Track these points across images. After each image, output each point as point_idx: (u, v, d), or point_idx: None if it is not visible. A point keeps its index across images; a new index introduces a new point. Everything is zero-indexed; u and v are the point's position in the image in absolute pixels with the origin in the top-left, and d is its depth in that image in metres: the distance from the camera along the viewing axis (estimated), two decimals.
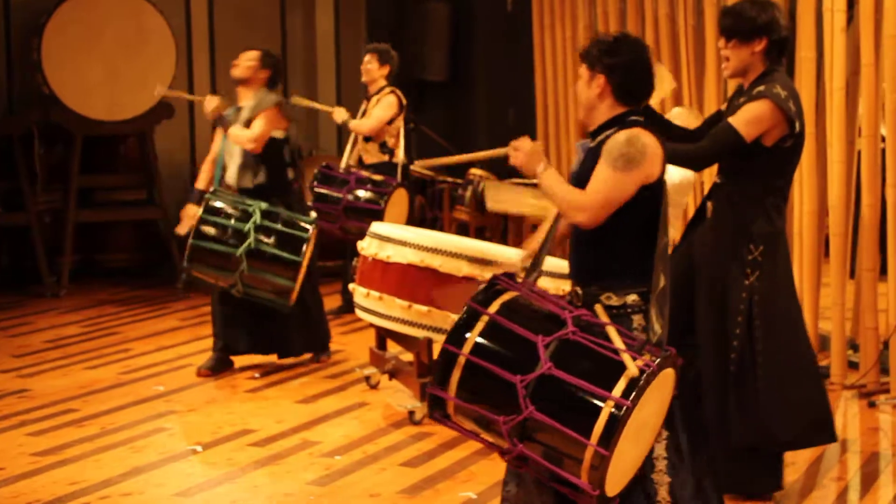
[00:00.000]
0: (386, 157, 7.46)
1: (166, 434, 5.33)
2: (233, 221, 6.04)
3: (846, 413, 5.57)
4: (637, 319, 3.29)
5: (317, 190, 7.27)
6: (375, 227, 5.66)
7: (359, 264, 5.67)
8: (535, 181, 3.46)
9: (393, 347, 5.97)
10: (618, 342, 3.08)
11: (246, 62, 6.38)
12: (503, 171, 8.07)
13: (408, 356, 5.75)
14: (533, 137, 6.37)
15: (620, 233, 3.32)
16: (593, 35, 3.47)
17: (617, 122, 3.33)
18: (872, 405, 5.57)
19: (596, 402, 2.96)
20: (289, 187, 6.38)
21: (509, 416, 3.02)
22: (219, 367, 6.38)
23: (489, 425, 3.11)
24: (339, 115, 7.59)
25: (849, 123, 5.97)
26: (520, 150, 3.41)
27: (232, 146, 6.33)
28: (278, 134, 6.31)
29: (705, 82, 6.97)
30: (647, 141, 3.29)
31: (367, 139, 7.51)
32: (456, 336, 3.12)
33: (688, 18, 7.13)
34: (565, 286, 4.56)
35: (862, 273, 5.92)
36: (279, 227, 6.07)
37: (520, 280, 3.30)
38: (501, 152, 3.54)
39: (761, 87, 4.22)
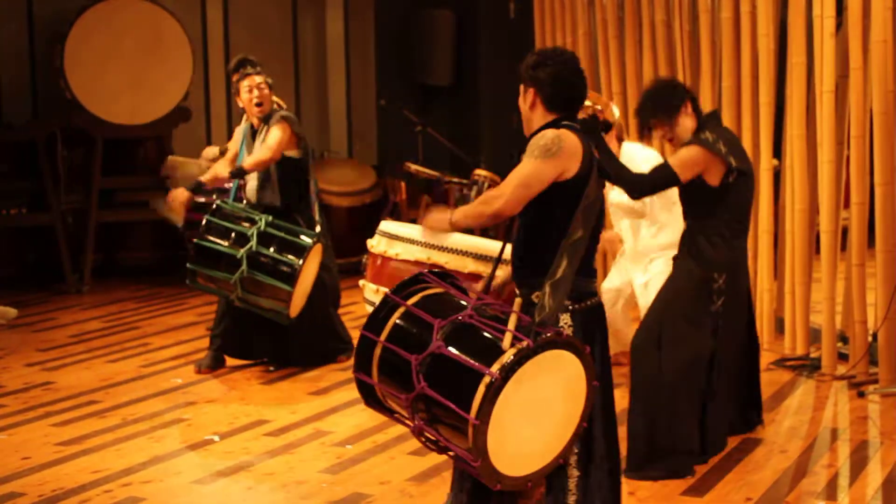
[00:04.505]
0: None
1: (184, 424, 5.41)
2: (238, 225, 5.94)
3: (837, 402, 5.62)
4: (564, 318, 3.36)
5: None
6: (385, 225, 5.77)
7: (368, 261, 5.81)
8: None
9: None
10: (511, 325, 3.17)
11: (266, 95, 6.15)
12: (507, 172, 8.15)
13: None
14: None
15: (544, 236, 3.36)
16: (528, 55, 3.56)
17: (549, 127, 3.40)
18: (862, 395, 5.66)
19: (476, 376, 3.08)
20: (308, 205, 6.25)
21: (409, 394, 3.18)
22: (216, 364, 6.36)
23: (400, 405, 3.26)
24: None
25: (838, 125, 6.06)
26: (426, 221, 3.51)
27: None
28: (293, 153, 6.20)
29: (700, 85, 7.02)
30: (567, 137, 3.33)
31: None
32: (372, 323, 3.31)
33: (683, 24, 7.17)
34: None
35: (851, 268, 5.99)
36: (281, 235, 5.91)
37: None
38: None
39: (691, 137, 4.68)
